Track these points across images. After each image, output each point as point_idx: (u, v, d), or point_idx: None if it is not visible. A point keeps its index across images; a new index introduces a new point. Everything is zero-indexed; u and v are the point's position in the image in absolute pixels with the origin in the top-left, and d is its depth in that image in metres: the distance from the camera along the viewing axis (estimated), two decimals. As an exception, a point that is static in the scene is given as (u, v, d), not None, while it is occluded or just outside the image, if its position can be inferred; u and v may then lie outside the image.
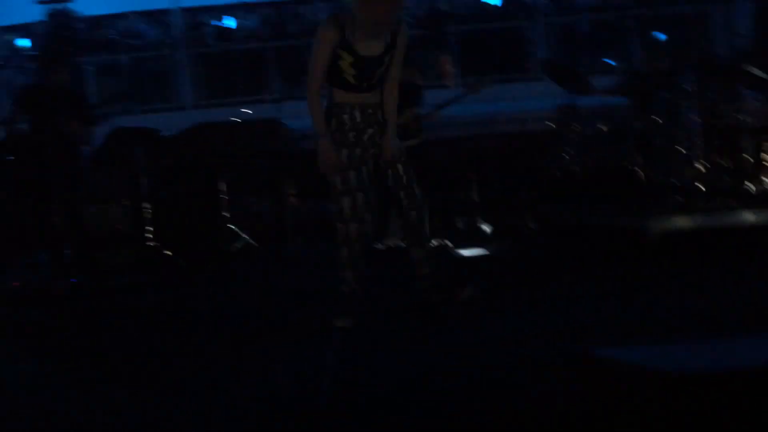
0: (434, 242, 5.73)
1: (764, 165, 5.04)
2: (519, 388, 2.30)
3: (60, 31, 9.93)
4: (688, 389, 1.57)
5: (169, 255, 5.68)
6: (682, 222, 4.58)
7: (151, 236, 5.76)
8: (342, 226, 3.42)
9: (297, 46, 10.05)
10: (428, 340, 3.13)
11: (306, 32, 10.07)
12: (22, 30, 10.73)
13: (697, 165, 5.00)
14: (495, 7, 10.31)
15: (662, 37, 9.32)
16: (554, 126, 6.73)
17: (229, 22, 10.43)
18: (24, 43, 10.50)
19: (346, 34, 3.37)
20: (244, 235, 6.62)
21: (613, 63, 8.49)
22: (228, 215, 6.74)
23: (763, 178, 5.01)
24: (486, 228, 6.44)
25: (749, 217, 4.56)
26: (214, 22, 10.22)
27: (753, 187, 4.96)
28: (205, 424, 2.28)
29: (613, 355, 1.86)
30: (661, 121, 5.33)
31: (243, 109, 8.44)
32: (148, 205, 5.83)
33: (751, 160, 5.05)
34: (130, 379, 2.82)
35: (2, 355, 3.49)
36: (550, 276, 4.42)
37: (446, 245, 5.73)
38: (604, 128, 6.40)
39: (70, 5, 10.11)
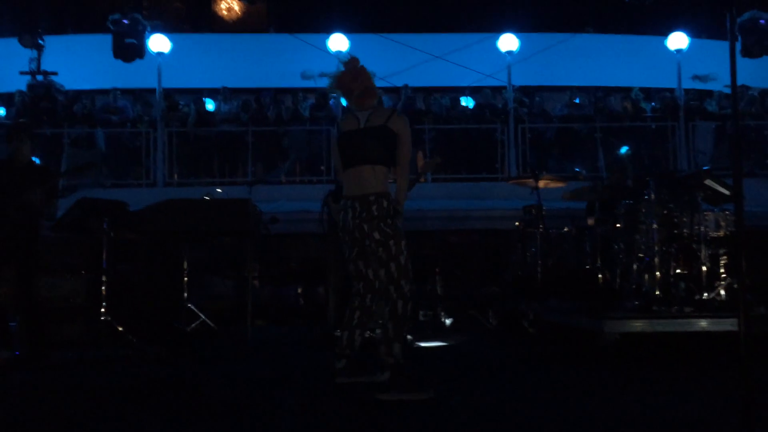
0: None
1: (719, 274, 5.14)
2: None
3: (38, 103, 10.03)
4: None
5: (121, 331, 5.52)
6: (638, 326, 4.61)
7: (105, 310, 5.60)
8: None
9: (274, 132, 10.26)
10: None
11: (284, 120, 10.32)
12: (4, 99, 10.80)
13: (656, 272, 5.08)
14: (468, 109, 10.72)
15: (626, 150, 9.72)
16: (520, 225, 6.85)
17: (209, 105, 10.66)
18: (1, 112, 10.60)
19: None
20: (202, 316, 6.51)
21: (579, 170, 8.76)
22: (187, 294, 6.65)
23: (717, 287, 5.09)
24: (447, 321, 6.42)
25: (702, 324, 4.63)
26: (193, 105, 10.42)
27: (707, 295, 5.04)
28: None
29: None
30: (622, 227, 5.45)
31: (217, 189, 8.50)
32: (105, 278, 5.70)
33: (705, 269, 5.14)
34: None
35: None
36: (497, 373, 4.37)
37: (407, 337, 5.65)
38: (567, 230, 6.53)
39: (53, 78, 10.29)
